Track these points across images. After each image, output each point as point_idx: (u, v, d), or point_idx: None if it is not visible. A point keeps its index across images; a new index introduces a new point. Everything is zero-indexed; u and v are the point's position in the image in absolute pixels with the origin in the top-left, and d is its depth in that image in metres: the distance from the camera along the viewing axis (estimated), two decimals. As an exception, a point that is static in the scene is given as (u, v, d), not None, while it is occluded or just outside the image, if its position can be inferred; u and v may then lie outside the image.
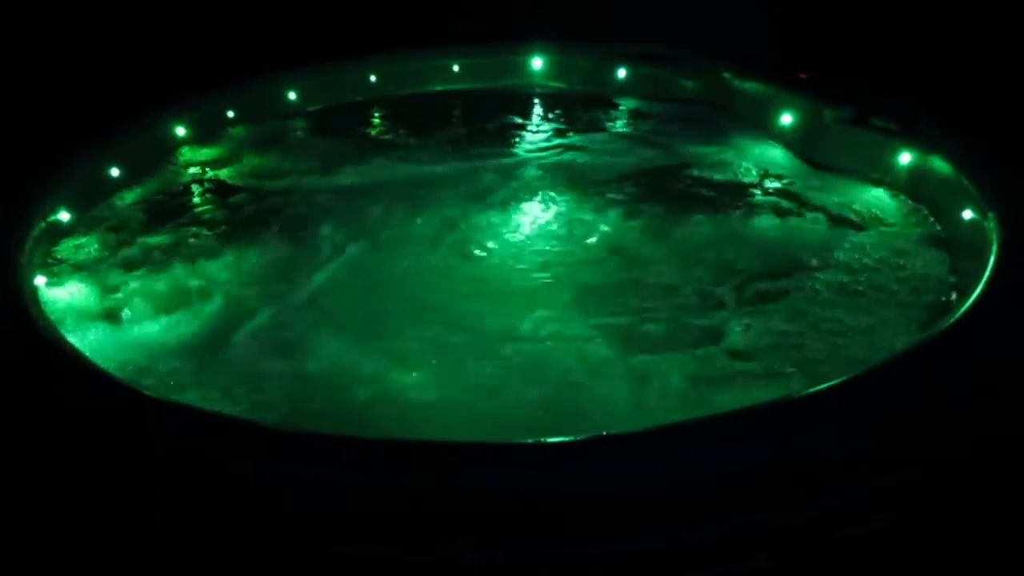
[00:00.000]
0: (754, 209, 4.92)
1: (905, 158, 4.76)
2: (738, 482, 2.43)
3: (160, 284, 4.51)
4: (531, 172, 5.62)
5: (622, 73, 6.81)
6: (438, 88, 7.22)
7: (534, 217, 5.04)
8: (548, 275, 4.43)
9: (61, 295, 4.37)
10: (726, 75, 6.29)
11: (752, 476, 2.44)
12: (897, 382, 2.72)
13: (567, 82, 7.14)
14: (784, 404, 2.77)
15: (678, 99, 6.56)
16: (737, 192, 5.14)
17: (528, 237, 4.84)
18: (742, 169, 5.41)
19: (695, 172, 5.43)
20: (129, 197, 5.49)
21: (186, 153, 6.13)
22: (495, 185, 5.39)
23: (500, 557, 2.43)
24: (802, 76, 5.77)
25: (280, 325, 4.09)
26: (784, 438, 2.50)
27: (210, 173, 5.86)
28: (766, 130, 5.76)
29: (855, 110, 5.14)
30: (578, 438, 2.58)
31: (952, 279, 3.97)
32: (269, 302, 4.29)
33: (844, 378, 2.72)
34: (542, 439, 2.57)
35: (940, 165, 4.51)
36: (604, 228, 4.85)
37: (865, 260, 4.24)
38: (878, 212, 4.69)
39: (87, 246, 4.91)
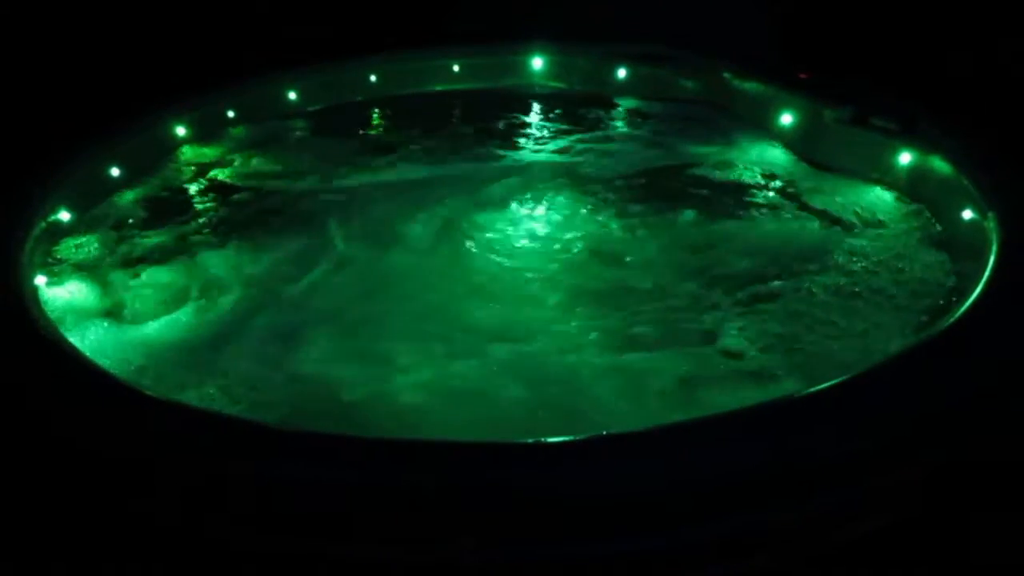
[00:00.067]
0: (754, 209, 4.92)
1: (905, 158, 4.76)
2: (738, 482, 2.43)
3: (160, 284, 4.52)
4: (531, 172, 5.61)
5: (622, 73, 6.81)
6: (438, 88, 7.22)
7: (534, 217, 5.04)
8: (548, 275, 4.43)
9: (61, 294, 4.37)
10: (726, 75, 6.29)
11: (752, 476, 2.44)
12: (896, 382, 2.72)
13: (567, 82, 7.14)
14: (784, 404, 2.77)
15: (678, 99, 6.55)
16: (737, 192, 5.14)
17: (528, 237, 4.84)
18: (742, 169, 5.41)
19: (695, 172, 5.43)
20: (129, 197, 5.49)
21: (186, 153, 6.13)
22: (495, 185, 5.39)
23: (500, 557, 2.43)
24: (802, 76, 5.77)
25: (280, 325, 4.09)
26: (783, 438, 2.50)
27: (210, 173, 5.86)
28: (766, 130, 5.76)
29: (855, 110, 5.14)
30: (578, 438, 2.58)
31: (952, 280, 3.97)
32: (269, 302, 4.30)
33: (843, 378, 2.71)
34: (542, 439, 2.57)
35: (940, 165, 4.51)
36: (604, 228, 4.86)
37: (865, 260, 4.24)
38: (878, 212, 4.69)
39: (87, 246, 4.91)
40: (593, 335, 3.86)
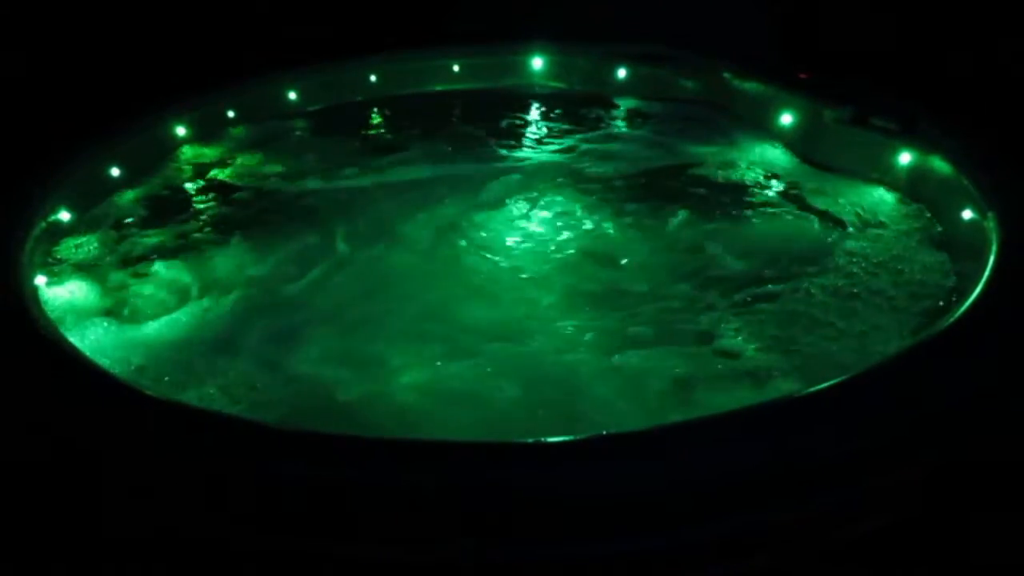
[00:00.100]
0: (754, 209, 4.92)
1: (905, 158, 4.76)
2: (738, 482, 2.43)
3: (160, 284, 4.52)
4: (531, 172, 5.61)
5: (622, 73, 6.81)
6: (438, 88, 7.22)
7: (534, 217, 5.04)
8: (547, 275, 4.43)
9: (61, 294, 4.38)
10: (726, 75, 6.28)
11: (752, 476, 2.44)
12: (896, 382, 2.72)
13: (567, 82, 7.14)
14: (783, 404, 2.77)
15: (678, 99, 6.55)
16: (737, 192, 5.14)
17: (528, 237, 4.84)
18: (742, 169, 5.41)
19: (695, 172, 5.43)
20: (129, 197, 5.49)
21: (186, 153, 6.13)
22: (495, 185, 5.39)
23: (500, 557, 2.43)
24: (802, 76, 5.77)
25: (280, 324, 4.09)
26: (783, 438, 2.50)
27: (210, 173, 5.86)
28: (766, 130, 5.76)
29: (855, 110, 5.14)
30: (578, 438, 2.58)
31: (952, 280, 3.96)
32: (269, 301, 4.30)
33: (843, 378, 2.72)
34: (542, 439, 2.57)
35: (940, 165, 4.51)
36: (603, 228, 4.86)
37: (865, 260, 4.24)
38: (878, 212, 4.69)
39: (87, 246, 4.91)
40: (591, 335, 3.86)
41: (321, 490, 2.48)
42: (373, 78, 7.11)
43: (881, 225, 4.56)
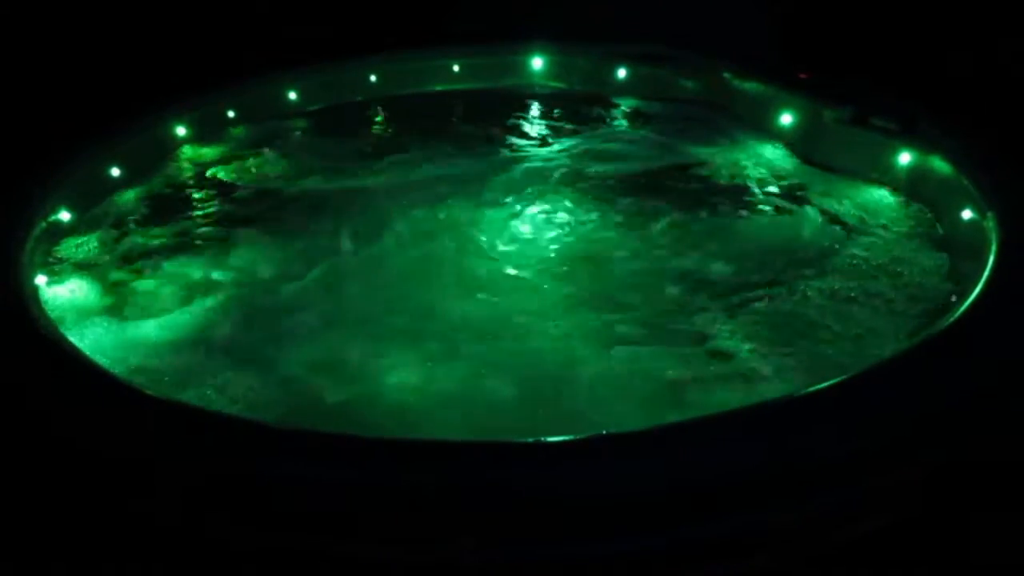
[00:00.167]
0: (754, 209, 4.92)
1: (905, 158, 4.76)
2: (738, 482, 2.43)
3: (160, 283, 4.52)
4: (531, 172, 5.62)
5: (622, 73, 6.81)
6: (438, 88, 7.22)
7: (533, 217, 5.04)
8: (546, 275, 4.43)
9: (61, 294, 4.38)
10: (726, 75, 6.29)
11: (752, 476, 2.44)
12: (896, 382, 2.72)
13: (567, 82, 7.14)
14: (783, 404, 2.77)
15: (678, 99, 6.55)
16: (737, 192, 5.14)
17: (527, 237, 4.84)
18: (742, 169, 5.41)
19: (694, 172, 5.43)
20: (129, 196, 5.49)
21: (186, 153, 6.13)
22: (495, 184, 5.39)
23: (500, 557, 2.43)
24: (802, 76, 5.77)
25: (279, 324, 4.09)
26: (783, 438, 2.50)
27: (210, 173, 5.86)
28: (766, 130, 5.76)
29: (855, 110, 5.14)
30: (578, 438, 2.58)
31: (952, 280, 3.97)
32: (269, 301, 4.30)
33: (843, 378, 2.72)
34: (542, 439, 2.57)
35: (940, 165, 4.51)
36: (602, 227, 4.86)
37: (865, 260, 4.24)
38: (878, 212, 4.69)
39: (87, 245, 4.91)
40: (588, 334, 3.85)
41: (321, 490, 2.48)
42: (373, 78, 7.11)
43: (881, 225, 4.56)
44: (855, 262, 4.23)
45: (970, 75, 5.65)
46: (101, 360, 3.36)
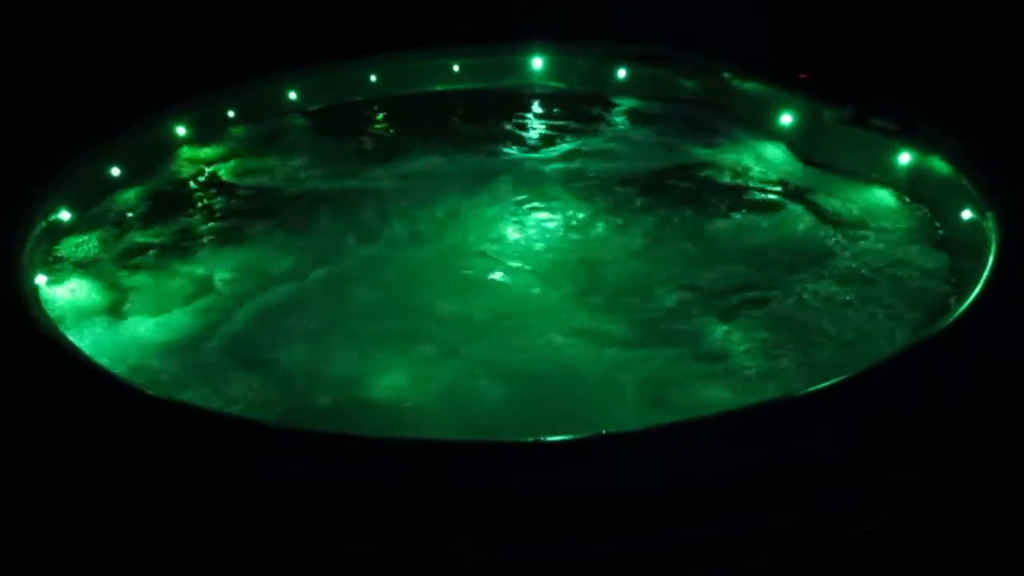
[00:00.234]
0: (754, 209, 4.92)
1: (905, 158, 4.76)
2: (738, 482, 2.43)
3: (160, 283, 4.52)
4: (531, 172, 5.62)
5: (622, 73, 6.81)
6: (438, 88, 7.22)
7: (532, 217, 5.04)
8: (545, 274, 4.43)
9: (61, 294, 4.38)
10: (726, 75, 6.29)
11: (752, 476, 2.44)
12: (896, 381, 2.73)
13: (567, 82, 7.14)
14: (783, 404, 2.77)
15: (678, 99, 6.55)
16: (737, 192, 5.14)
17: (527, 236, 4.84)
18: (742, 169, 5.41)
19: (694, 172, 5.43)
20: (129, 196, 5.49)
21: (186, 153, 6.12)
22: (495, 184, 5.38)
23: (500, 557, 2.43)
24: (802, 76, 5.77)
25: (279, 324, 4.09)
26: (783, 438, 2.50)
27: (210, 173, 5.86)
28: (766, 130, 5.76)
29: (855, 110, 5.14)
30: (578, 437, 2.58)
31: (952, 279, 3.97)
32: (268, 300, 4.30)
33: (843, 377, 2.72)
34: (542, 439, 2.57)
35: (940, 165, 4.51)
36: (602, 227, 4.86)
37: (865, 260, 4.24)
38: (878, 212, 4.69)
39: (87, 245, 4.91)
40: (587, 335, 3.86)
41: (321, 490, 2.48)
42: (373, 78, 7.11)
43: (881, 225, 4.56)
44: (855, 262, 4.23)
45: (970, 75, 5.66)
46: (101, 360, 3.36)
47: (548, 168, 5.67)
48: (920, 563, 2.52)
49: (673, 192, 5.18)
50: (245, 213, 5.29)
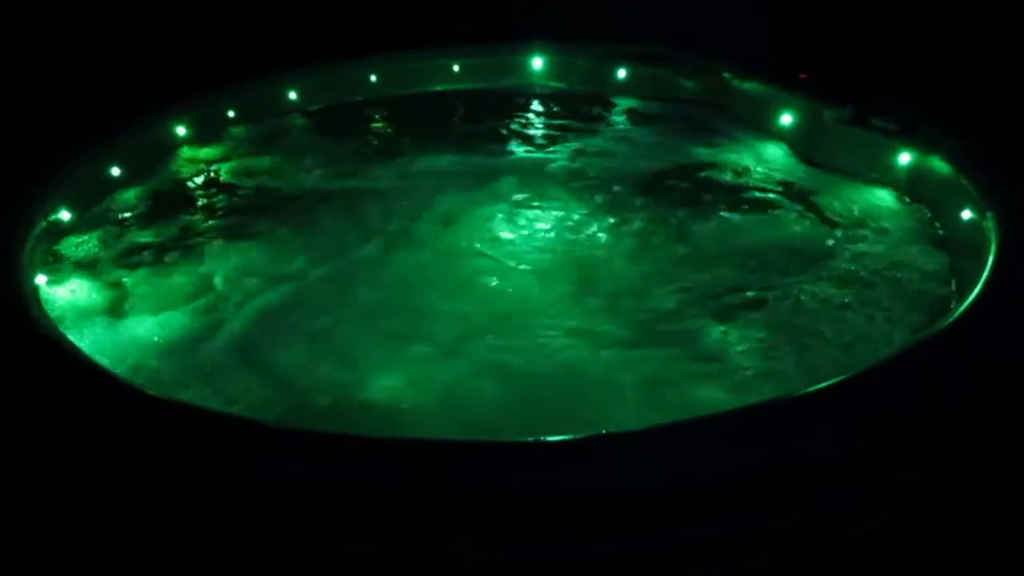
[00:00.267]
0: (754, 209, 4.92)
1: (905, 158, 4.75)
2: (738, 482, 2.43)
3: (160, 282, 4.52)
4: (531, 172, 5.61)
5: (622, 73, 6.81)
6: (438, 88, 7.22)
7: (532, 217, 5.04)
8: (544, 274, 4.43)
9: (61, 293, 4.38)
10: (726, 75, 6.28)
11: (751, 476, 2.44)
12: (896, 381, 2.73)
13: (567, 82, 7.13)
14: (783, 404, 2.77)
15: (678, 99, 6.55)
16: (737, 192, 5.14)
17: (526, 236, 4.84)
18: (741, 169, 5.41)
19: (694, 172, 5.43)
20: (129, 196, 5.49)
21: (186, 153, 6.12)
22: (495, 184, 5.38)
23: (500, 557, 2.43)
24: (802, 76, 5.77)
25: (279, 322, 4.10)
26: (783, 438, 2.50)
27: (210, 173, 5.86)
28: (766, 130, 5.76)
29: (855, 110, 5.14)
30: (578, 437, 2.58)
31: (952, 280, 3.97)
32: (268, 300, 4.30)
33: (842, 377, 2.72)
34: (542, 438, 2.57)
35: (940, 165, 4.51)
36: (601, 227, 4.85)
37: (865, 260, 4.24)
38: (877, 212, 4.69)
39: (87, 245, 4.91)
40: (586, 335, 3.86)
41: (321, 490, 2.48)
42: (373, 78, 7.10)
43: (881, 225, 4.56)
44: (854, 263, 4.23)
45: (970, 75, 5.65)
46: (101, 360, 3.36)
47: (548, 168, 5.67)
48: (920, 563, 2.51)
49: (673, 192, 5.18)
50: (245, 213, 5.29)
